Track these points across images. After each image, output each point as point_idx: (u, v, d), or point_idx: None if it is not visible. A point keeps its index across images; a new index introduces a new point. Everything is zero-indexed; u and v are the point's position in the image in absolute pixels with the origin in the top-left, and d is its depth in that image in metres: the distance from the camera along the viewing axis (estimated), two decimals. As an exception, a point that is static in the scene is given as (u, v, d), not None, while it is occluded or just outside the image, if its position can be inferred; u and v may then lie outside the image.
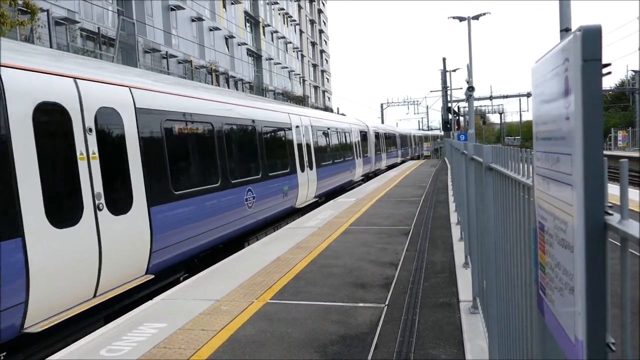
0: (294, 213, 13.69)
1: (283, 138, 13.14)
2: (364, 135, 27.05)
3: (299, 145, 14.24)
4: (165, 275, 7.61)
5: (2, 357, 4.93)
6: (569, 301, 1.21)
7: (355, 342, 4.42)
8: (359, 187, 20.48)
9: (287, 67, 59.61)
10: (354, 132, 24.26)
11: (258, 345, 4.45)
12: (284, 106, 14.49)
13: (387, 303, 5.43)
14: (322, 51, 79.15)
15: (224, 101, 10.09)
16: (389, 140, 37.59)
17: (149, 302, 5.88)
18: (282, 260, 7.57)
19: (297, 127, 14.32)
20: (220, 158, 9.22)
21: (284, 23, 59.58)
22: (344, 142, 21.50)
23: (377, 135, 30.64)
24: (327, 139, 18.21)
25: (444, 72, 42.70)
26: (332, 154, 18.48)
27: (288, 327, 4.84)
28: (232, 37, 43.71)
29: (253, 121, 11.18)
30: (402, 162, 43.90)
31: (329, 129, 18.35)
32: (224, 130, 9.48)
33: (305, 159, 14.64)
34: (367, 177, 26.86)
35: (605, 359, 1.08)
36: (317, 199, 15.81)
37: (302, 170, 14.09)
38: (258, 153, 11.07)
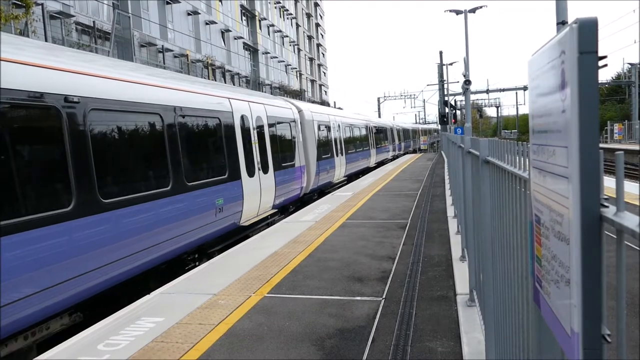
0: (239, 232, 10.44)
1: (218, 132, 9.46)
2: (350, 129, 23.33)
3: (246, 142, 10.68)
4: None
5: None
6: (565, 293, 1.21)
7: (353, 336, 4.43)
8: (355, 182, 20.42)
9: (284, 61, 59.44)
10: (337, 125, 20.51)
11: (256, 339, 4.46)
12: (223, 90, 10.57)
13: (384, 296, 5.45)
14: (318, 45, 78.92)
15: (91, 72, 6.27)
16: (379, 135, 32.78)
17: (147, 297, 5.88)
18: (279, 255, 7.58)
19: (244, 117, 10.76)
20: (76, 165, 5.64)
21: (280, 16, 59.34)
22: (324, 137, 17.91)
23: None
24: (295, 133, 14.71)
25: (440, 66, 42.64)
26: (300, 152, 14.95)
27: (285, 321, 4.85)
28: (228, 30, 43.53)
29: (166, 108, 7.65)
30: (395, 157, 39.79)
31: (293, 121, 14.64)
32: (87, 122, 5.95)
33: (257, 159, 11.15)
34: (350, 180, 22.03)
35: (600, 350, 1.09)
36: (276, 210, 12.52)
37: (251, 174, 10.70)
38: (168, 155, 7.52)
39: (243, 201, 10.12)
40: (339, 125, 20.84)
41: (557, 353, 1.60)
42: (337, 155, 19.60)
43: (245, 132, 10.75)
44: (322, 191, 17.73)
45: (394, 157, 39.42)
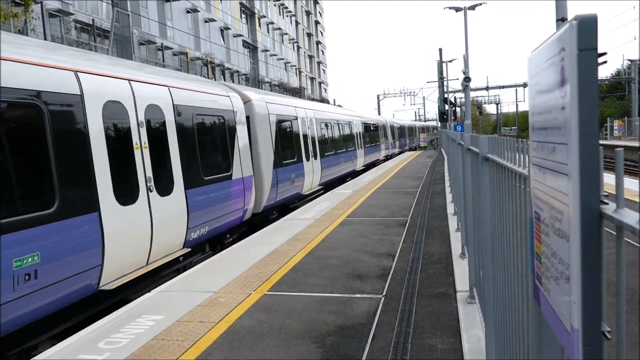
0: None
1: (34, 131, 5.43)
2: (329, 125, 19.41)
3: (117, 147, 6.62)
4: None
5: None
6: (564, 290, 1.21)
7: (353, 333, 4.44)
8: (354, 179, 20.39)
9: (283, 59, 59.38)
10: (309, 120, 16.35)
11: (256, 337, 4.46)
12: (67, 57, 6.29)
13: (384, 294, 5.45)
14: (318, 42, 78.84)
15: None
16: (370, 133, 29.09)
17: (147, 295, 5.89)
18: (280, 252, 7.58)
19: (112, 105, 6.65)
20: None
21: (280, 14, 59.26)
22: (288, 136, 13.95)
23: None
24: (238, 130, 10.50)
25: (440, 63, 42.61)
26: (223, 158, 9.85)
27: (286, 319, 4.86)
28: (227, 28, 43.47)
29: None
30: (388, 157, 36.03)
31: (231, 113, 10.32)
32: None
33: (144, 174, 7.05)
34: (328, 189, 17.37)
35: (600, 347, 1.09)
36: (189, 249, 8.25)
37: (129, 200, 6.69)
38: None
39: (103, 250, 6.07)
40: (311, 121, 16.54)
41: (557, 350, 1.61)
42: (307, 159, 15.30)
43: (116, 131, 6.69)
44: (285, 206, 13.50)
45: (387, 157, 35.56)
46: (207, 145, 9.21)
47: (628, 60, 54.45)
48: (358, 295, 5.44)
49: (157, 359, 4.11)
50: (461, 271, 5.96)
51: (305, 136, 15.55)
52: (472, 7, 32.18)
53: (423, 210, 10.86)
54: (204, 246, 9.24)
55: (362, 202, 12.59)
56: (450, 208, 10.54)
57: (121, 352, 4.25)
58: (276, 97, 14.88)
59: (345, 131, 22.17)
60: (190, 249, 8.22)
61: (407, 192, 14.07)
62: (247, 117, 11.17)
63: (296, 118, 15.00)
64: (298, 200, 14.59)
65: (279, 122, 13.22)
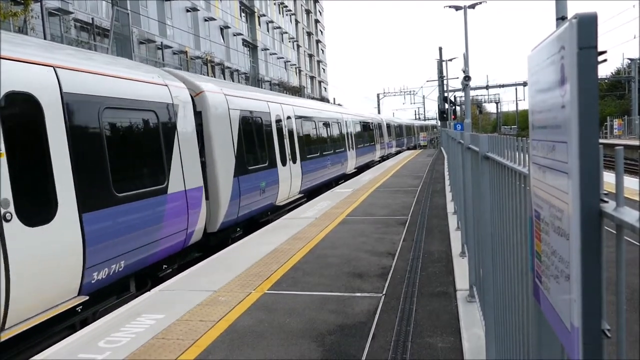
0: None
1: None
2: (314, 123, 16.98)
3: None
4: None
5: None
6: (564, 289, 1.21)
7: (353, 332, 4.44)
8: (353, 178, 20.38)
9: (283, 58, 59.35)
10: (286, 117, 13.99)
11: (256, 335, 4.47)
12: None
13: (384, 292, 5.46)
14: (318, 41, 78.80)
15: None
16: (363, 132, 26.63)
17: (147, 294, 5.89)
18: (280, 251, 7.58)
19: None
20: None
21: (280, 13, 59.22)
22: (257, 136, 11.62)
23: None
24: (181, 128, 8.21)
25: (440, 62, 42.59)
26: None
27: (286, 317, 4.86)
28: (227, 27, 43.46)
29: None
30: (383, 158, 33.57)
31: (164, 107, 7.82)
32: None
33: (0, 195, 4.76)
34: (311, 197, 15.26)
35: (600, 345, 1.09)
36: (86, 298, 5.93)
37: None
38: None
39: None
40: (289, 118, 14.19)
41: (557, 348, 1.61)
42: (284, 164, 13.04)
43: None
44: (254, 221, 11.31)
45: (383, 158, 33.26)
46: (124, 150, 6.76)
47: (628, 59, 54.44)
48: (358, 294, 5.45)
49: (158, 357, 4.11)
50: (461, 270, 5.96)
51: (281, 136, 13.14)
52: (472, 6, 32.16)
53: (423, 209, 10.87)
54: (130, 283, 7.05)
55: (362, 201, 12.59)
56: (450, 207, 10.54)
57: (121, 351, 4.26)
58: (242, 89, 12.21)
59: (333, 130, 19.80)
60: (87, 297, 5.82)
61: (407, 191, 14.07)
62: (200, 113, 9.03)
63: (269, 114, 12.51)
64: (272, 213, 12.33)
65: (245, 120, 10.80)
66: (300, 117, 15.34)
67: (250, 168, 10.69)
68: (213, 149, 9.18)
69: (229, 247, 8.29)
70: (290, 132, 14.09)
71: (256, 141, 11.46)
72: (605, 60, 30.60)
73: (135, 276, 7.15)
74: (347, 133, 22.34)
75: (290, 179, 13.43)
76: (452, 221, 9.01)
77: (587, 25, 1.05)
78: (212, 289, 5.87)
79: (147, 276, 7.47)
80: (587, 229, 1.08)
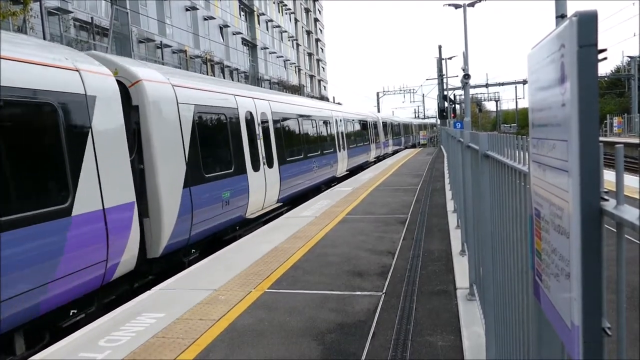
0: None
1: None
2: (297, 122, 15.23)
3: None
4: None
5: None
6: (565, 287, 1.21)
7: (353, 330, 4.44)
8: (353, 177, 20.37)
9: (283, 56, 59.31)
10: (259, 113, 11.91)
11: (256, 334, 4.47)
12: None
13: (384, 291, 5.46)
14: (317, 40, 78.74)
15: None
16: (357, 131, 24.71)
17: (147, 292, 5.90)
18: (280, 250, 7.59)
19: None
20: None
21: (279, 12, 59.17)
22: (219, 136, 9.83)
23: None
24: (101, 128, 6.37)
25: (439, 60, 42.57)
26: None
27: (286, 316, 4.86)
28: (226, 26, 43.41)
29: None
30: (379, 159, 31.35)
31: (61, 103, 5.73)
32: None
33: None
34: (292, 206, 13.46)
35: (601, 343, 1.09)
36: None
37: None
38: None
39: None
40: (264, 115, 12.19)
41: (558, 346, 1.61)
42: (256, 169, 11.01)
43: None
44: (218, 238, 9.66)
45: (378, 159, 31.57)
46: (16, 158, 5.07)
47: (628, 57, 54.44)
48: (358, 293, 5.45)
49: (158, 356, 4.11)
50: (461, 268, 5.96)
51: (252, 136, 11.15)
52: (472, 4, 32.11)
53: (423, 207, 10.87)
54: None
55: (361, 199, 12.59)
56: (450, 205, 10.54)
57: (121, 350, 4.26)
58: (200, 79, 10.41)
59: (320, 129, 17.81)
60: None
61: (406, 190, 14.07)
62: (137, 108, 7.35)
63: (236, 110, 10.48)
64: (240, 227, 10.56)
65: (202, 117, 8.99)
66: (278, 113, 13.38)
67: (208, 176, 8.80)
68: (153, 154, 7.35)
69: (229, 246, 8.28)
70: (266, 131, 12.15)
71: (218, 143, 9.61)
72: (605, 58, 30.58)
73: (26, 330, 5.27)
74: (338, 132, 20.51)
75: (264, 186, 11.47)
76: (452, 219, 9.02)
77: (587, 23, 1.05)
78: (212, 288, 5.87)
79: (45, 328, 5.57)
80: (588, 227, 1.08)
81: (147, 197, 7.31)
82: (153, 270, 7.60)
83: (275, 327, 4.62)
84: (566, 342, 1.24)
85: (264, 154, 11.65)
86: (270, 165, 11.98)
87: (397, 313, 4.80)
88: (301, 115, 15.74)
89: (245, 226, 10.76)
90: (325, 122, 18.76)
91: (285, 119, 13.95)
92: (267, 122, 12.33)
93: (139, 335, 4.56)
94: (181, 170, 7.99)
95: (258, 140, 11.48)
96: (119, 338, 4.53)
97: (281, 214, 12.08)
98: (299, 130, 15.31)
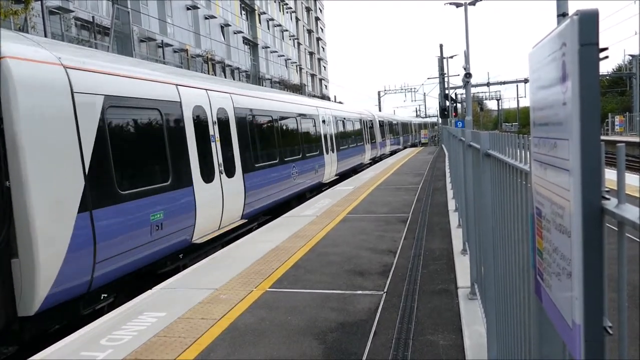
0: None
1: None
2: (279, 121, 13.27)
3: None
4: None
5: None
6: (566, 286, 1.21)
7: (355, 329, 4.44)
8: (354, 176, 20.36)
9: (284, 55, 59.30)
10: (231, 110, 10.16)
11: (258, 333, 4.47)
12: None
13: (385, 290, 5.46)
14: (318, 39, 78.71)
15: None
16: (350, 131, 22.67)
17: (148, 292, 5.90)
18: (281, 249, 7.59)
19: None
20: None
21: (280, 10, 59.16)
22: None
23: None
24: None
25: (441, 59, 42.55)
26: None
27: (287, 315, 4.86)
28: (227, 25, 43.43)
29: None
30: (375, 160, 29.35)
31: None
32: None
33: None
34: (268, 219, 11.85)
35: (602, 342, 1.09)
36: None
37: None
38: None
39: None
40: (224, 111, 9.93)
41: (559, 345, 1.61)
42: (208, 179, 8.82)
43: None
44: (151, 272, 7.43)
45: (374, 160, 29.41)
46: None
47: (629, 55, 54.36)
48: (359, 292, 5.45)
49: (159, 355, 4.12)
50: (462, 267, 5.96)
51: (203, 138, 8.85)
52: (473, 3, 32.07)
53: (424, 206, 10.86)
54: None
55: (362, 199, 12.59)
56: (452, 204, 10.53)
57: (123, 349, 4.26)
58: (119, 62, 7.61)
59: (302, 128, 15.41)
60: None
61: (408, 189, 14.07)
62: None
63: (178, 105, 8.23)
64: (185, 255, 8.31)
65: (118, 112, 6.71)
66: (244, 109, 10.91)
67: (125, 193, 6.54)
68: (23, 164, 5.10)
69: (230, 245, 8.28)
70: (225, 132, 9.80)
71: (144, 148, 7.30)
72: (606, 57, 30.50)
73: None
74: (326, 132, 18.11)
75: (220, 199, 9.16)
76: (454, 219, 9.01)
77: (589, 22, 1.05)
78: (213, 287, 5.88)
79: None
80: (589, 226, 1.08)
81: (15, 228, 5.09)
82: (26, 333, 5.29)
83: (277, 326, 4.62)
84: (567, 341, 1.24)
85: (221, 160, 9.34)
86: (230, 174, 9.66)
87: (399, 312, 4.80)
88: (276, 112, 13.22)
89: (190, 253, 8.45)
90: (310, 120, 16.44)
91: (254, 116, 11.45)
92: (227, 120, 9.96)
93: (140, 335, 4.57)
94: (76, 186, 5.73)
95: (213, 144, 9.20)
96: (121, 337, 4.54)
97: (250, 230, 10.23)
98: (274, 129, 12.88)
